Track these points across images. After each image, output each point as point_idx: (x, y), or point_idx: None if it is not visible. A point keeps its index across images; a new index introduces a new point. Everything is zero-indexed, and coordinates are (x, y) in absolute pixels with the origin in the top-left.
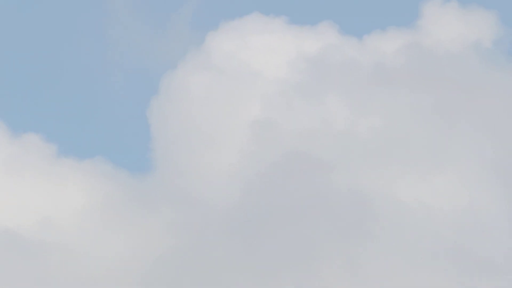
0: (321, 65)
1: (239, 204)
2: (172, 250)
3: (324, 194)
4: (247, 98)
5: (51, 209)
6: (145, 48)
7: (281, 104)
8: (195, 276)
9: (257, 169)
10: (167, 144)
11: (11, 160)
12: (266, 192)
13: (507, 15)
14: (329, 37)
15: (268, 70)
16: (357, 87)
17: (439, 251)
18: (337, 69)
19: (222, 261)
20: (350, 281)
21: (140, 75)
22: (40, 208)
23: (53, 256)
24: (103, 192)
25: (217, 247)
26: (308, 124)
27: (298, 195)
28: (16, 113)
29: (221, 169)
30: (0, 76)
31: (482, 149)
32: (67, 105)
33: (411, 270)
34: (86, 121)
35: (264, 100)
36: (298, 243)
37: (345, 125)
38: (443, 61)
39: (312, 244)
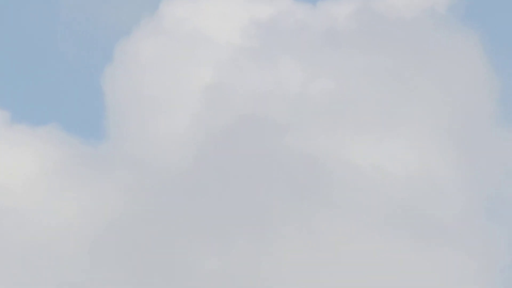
0: (273, 30)
1: (192, 168)
2: (124, 215)
3: (277, 157)
4: (200, 64)
5: (4, 175)
6: (98, 15)
7: (233, 69)
8: (148, 241)
9: (210, 133)
10: (121, 111)
11: None
12: (219, 156)
13: None
14: (281, 3)
15: (220, 36)
16: (310, 51)
17: (393, 214)
18: (290, 34)
19: (176, 225)
20: (304, 244)
21: (94, 42)
22: None
23: (6, 221)
24: (56, 158)
25: (170, 211)
26: (261, 88)
27: (252, 159)
28: None
29: (174, 134)
30: None
31: (436, 112)
32: (20, 72)
33: (365, 233)
34: (39, 88)
35: (216, 65)
36: (252, 206)
37: (298, 88)
38: (396, 25)
39: (266, 208)
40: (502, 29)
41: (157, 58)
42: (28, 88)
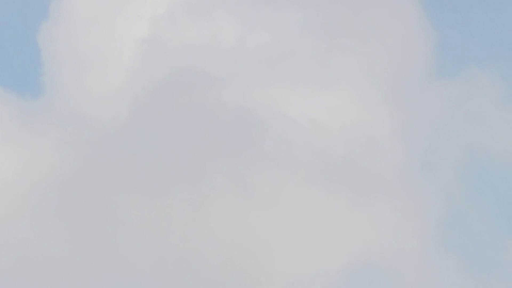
0: None
1: (128, 122)
2: (63, 170)
3: (213, 110)
4: (135, 18)
5: None
6: None
7: (168, 23)
8: (86, 195)
9: (146, 87)
10: (58, 67)
11: None
12: (155, 110)
13: None
14: None
15: None
16: (246, 4)
17: (329, 167)
18: None
19: (112, 179)
20: (239, 198)
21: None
22: None
23: None
24: None
25: (108, 165)
26: (196, 41)
27: (187, 112)
28: None
29: (110, 89)
30: None
31: (372, 65)
32: None
33: (301, 187)
34: None
35: (151, 19)
36: (188, 159)
37: (234, 41)
38: None
39: (201, 161)
40: None
41: (92, 14)
42: None
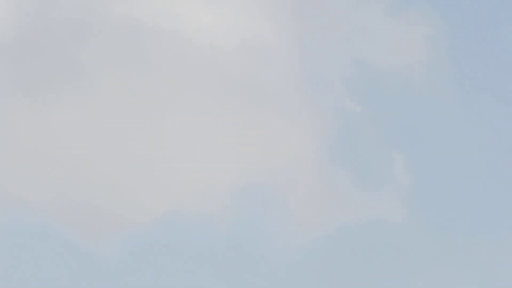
0: None
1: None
2: None
3: (96, 22)
4: None
5: None
6: None
7: None
8: None
9: None
10: None
11: None
12: (21, 18)
13: None
14: None
15: None
16: None
17: (222, 81)
18: None
19: None
20: (126, 111)
21: None
22: None
23: None
24: None
25: None
26: None
27: (75, 22)
28: None
29: None
30: None
31: None
32: None
33: (195, 104)
34: None
35: None
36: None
37: None
38: None
39: (87, 66)
40: None
41: None
42: None
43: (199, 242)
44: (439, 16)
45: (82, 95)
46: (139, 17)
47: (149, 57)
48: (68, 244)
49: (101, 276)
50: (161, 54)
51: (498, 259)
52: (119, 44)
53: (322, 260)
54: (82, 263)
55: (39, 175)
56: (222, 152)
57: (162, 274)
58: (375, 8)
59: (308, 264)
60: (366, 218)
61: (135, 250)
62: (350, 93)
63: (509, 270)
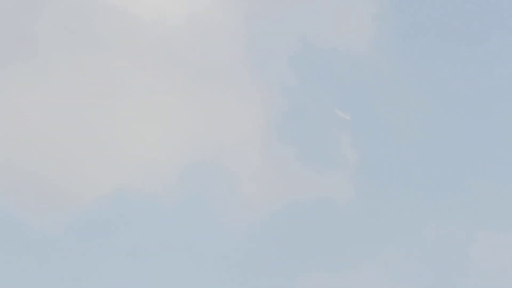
0: None
1: None
2: None
3: None
4: None
5: None
6: None
7: None
8: None
9: None
10: None
11: None
12: None
13: None
14: None
15: None
16: None
17: (172, 61)
18: None
19: None
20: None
21: None
22: None
23: None
24: None
25: None
26: None
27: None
28: None
29: None
30: None
31: None
32: None
33: (144, 81)
34: None
35: None
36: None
37: None
38: None
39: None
40: None
41: None
42: None
43: (144, 220)
44: None
45: (34, 69)
46: None
47: (98, 33)
48: (7, 213)
49: (39, 251)
50: (111, 31)
51: (443, 235)
52: (70, 22)
53: (269, 237)
54: (19, 235)
55: None
56: (169, 130)
57: (104, 252)
58: None
59: (255, 242)
60: (314, 196)
61: (78, 226)
62: (296, 70)
63: (454, 246)
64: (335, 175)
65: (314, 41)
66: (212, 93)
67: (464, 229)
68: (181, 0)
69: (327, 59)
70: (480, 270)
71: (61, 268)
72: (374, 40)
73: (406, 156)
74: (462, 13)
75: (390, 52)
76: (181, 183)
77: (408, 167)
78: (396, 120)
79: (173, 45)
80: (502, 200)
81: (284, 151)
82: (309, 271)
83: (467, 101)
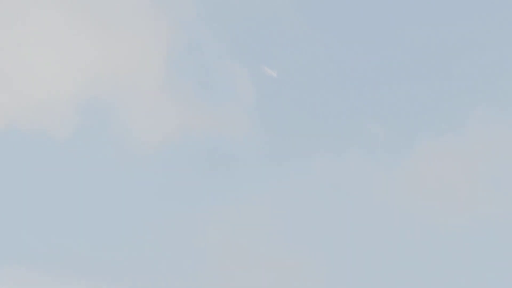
0: None
1: None
2: None
3: None
4: None
5: None
6: None
7: None
8: None
9: None
10: None
11: None
12: None
13: None
14: None
15: None
16: None
17: None
18: None
19: None
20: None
21: None
22: None
23: None
24: None
25: None
26: None
27: None
28: None
29: None
30: None
31: None
32: None
33: (40, 13)
34: None
35: None
36: None
37: None
38: None
39: None
40: None
41: None
42: None
43: (37, 159)
44: None
45: None
46: None
47: None
48: None
49: None
50: None
51: (337, 164)
52: None
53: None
54: None
55: None
56: (64, 65)
57: None
58: None
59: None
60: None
61: None
62: (198, 7)
63: (346, 173)
64: (232, 111)
65: None
66: (109, 26)
67: None
68: None
69: None
70: None
71: None
72: None
73: (302, 93)
74: None
75: None
76: (76, 120)
77: (303, 103)
78: (293, 58)
79: None
80: None
81: (182, 85)
82: None
83: None
